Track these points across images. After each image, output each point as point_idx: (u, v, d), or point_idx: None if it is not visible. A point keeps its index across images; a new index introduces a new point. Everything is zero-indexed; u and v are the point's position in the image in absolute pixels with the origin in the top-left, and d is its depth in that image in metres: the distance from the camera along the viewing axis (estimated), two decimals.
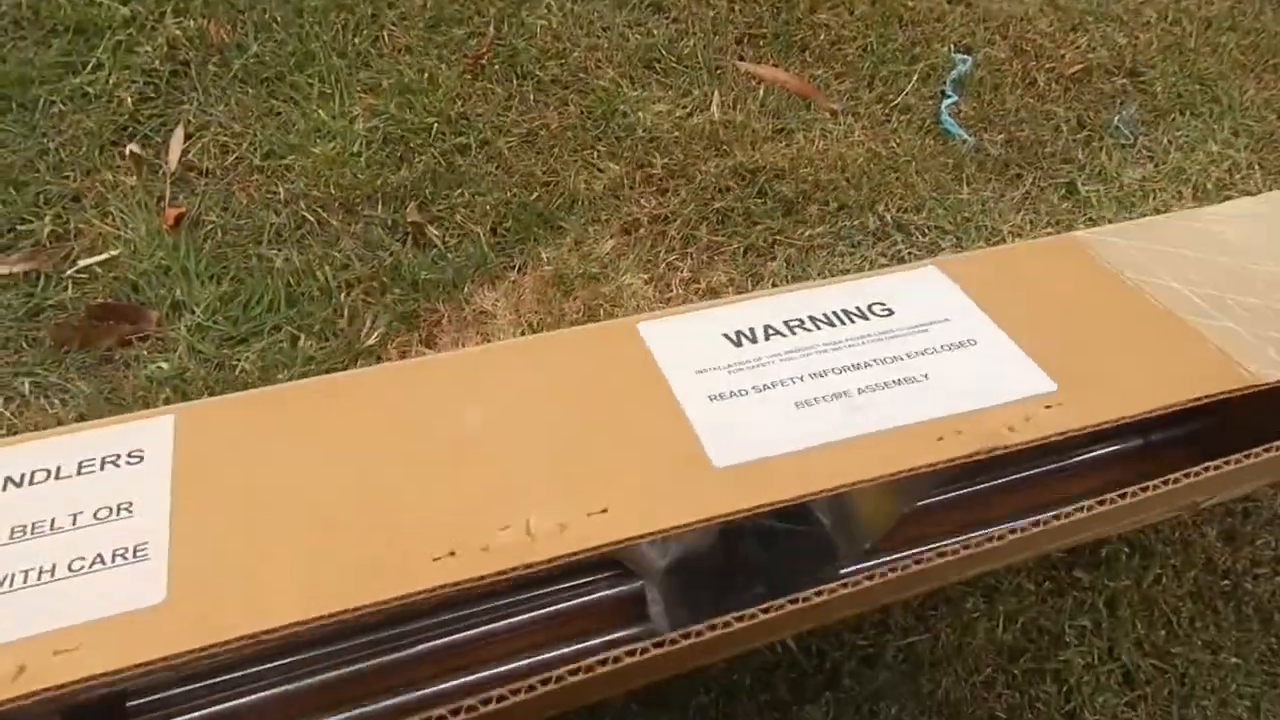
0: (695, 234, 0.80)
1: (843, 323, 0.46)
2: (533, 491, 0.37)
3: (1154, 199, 0.88)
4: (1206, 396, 0.41)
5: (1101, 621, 0.64)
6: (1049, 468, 0.58)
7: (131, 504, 0.36)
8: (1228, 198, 0.88)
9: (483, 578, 0.35)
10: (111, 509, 0.36)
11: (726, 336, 0.45)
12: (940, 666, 0.61)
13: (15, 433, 0.65)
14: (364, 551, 0.35)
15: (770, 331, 0.45)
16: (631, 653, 0.33)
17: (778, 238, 0.80)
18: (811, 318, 0.46)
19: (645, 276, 0.77)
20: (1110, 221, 0.86)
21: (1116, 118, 0.94)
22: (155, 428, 0.40)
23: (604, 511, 0.37)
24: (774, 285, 0.77)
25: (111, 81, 0.84)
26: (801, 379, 0.42)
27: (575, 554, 0.36)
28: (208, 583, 0.33)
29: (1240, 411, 0.46)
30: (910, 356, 0.43)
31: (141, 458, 0.39)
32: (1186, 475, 0.39)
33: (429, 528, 0.36)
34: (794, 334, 0.45)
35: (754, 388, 0.42)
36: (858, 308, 0.46)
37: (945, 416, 0.40)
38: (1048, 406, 0.41)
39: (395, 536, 0.36)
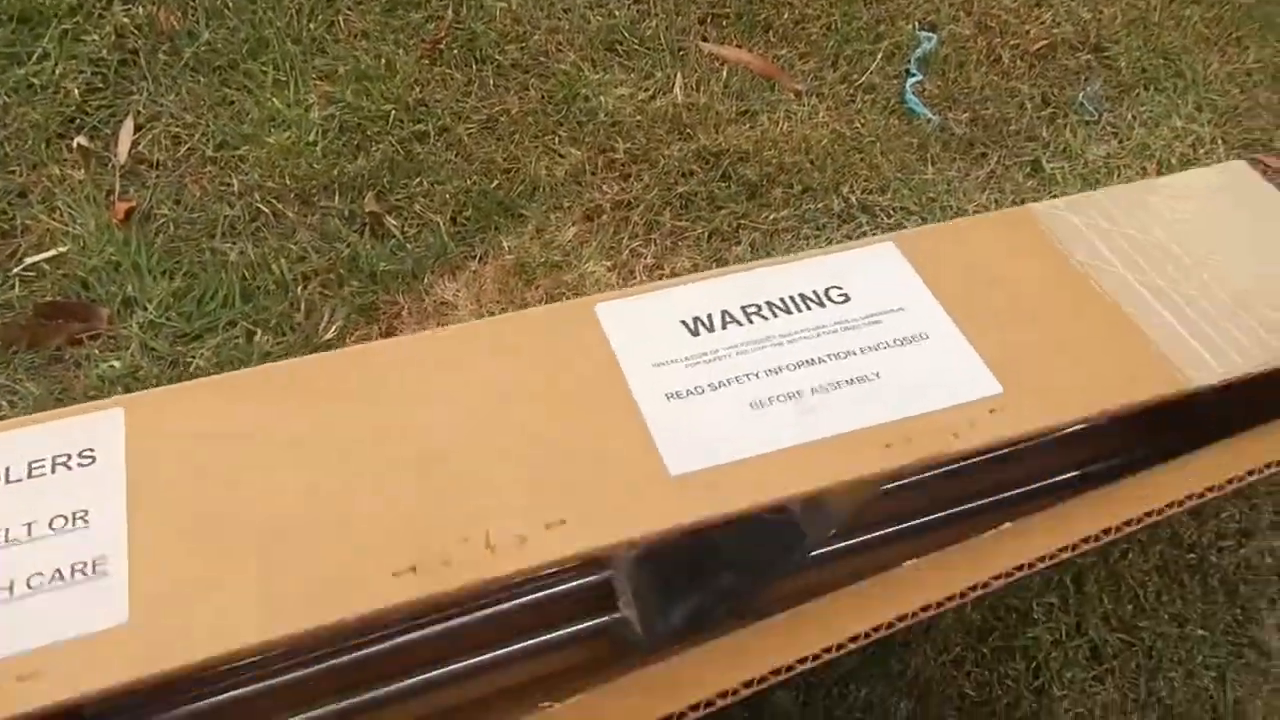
0: (659, 219, 0.79)
1: (799, 309, 0.45)
2: (491, 499, 0.37)
3: (1118, 176, 0.88)
4: (1141, 402, 0.42)
5: (1069, 598, 0.64)
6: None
7: (87, 512, 0.35)
8: None
9: (444, 594, 0.34)
10: (67, 518, 0.35)
11: (684, 324, 0.45)
12: (910, 647, 0.61)
13: None
14: (324, 564, 0.35)
15: (727, 319, 0.45)
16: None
17: (742, 222, 0.79)
18: (769, 303, 0.46)
19: (608, 264, 0.76)
20: None
21: (1081, 94, 0.94)
22: (105, 423, 0.39)
23: (562, 523, 0.37)
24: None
25: (58, 72, 0.81)
26: (757, 375, 0.42)
27: (535, 569, 0.36)
28: (169, 601, 0.33)
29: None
30: (863, 352, 0.43)
31: (93, 458, 0.38)
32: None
33: (388, 538, 0.36)
34: (751, 322, 0.45)
35: (710, 385, 0.41)
36: (815, 292, 0.46)
37: (894, 421, 0.40)
38: (992, 410, 0.41)
39: (354, 548, 0.35)
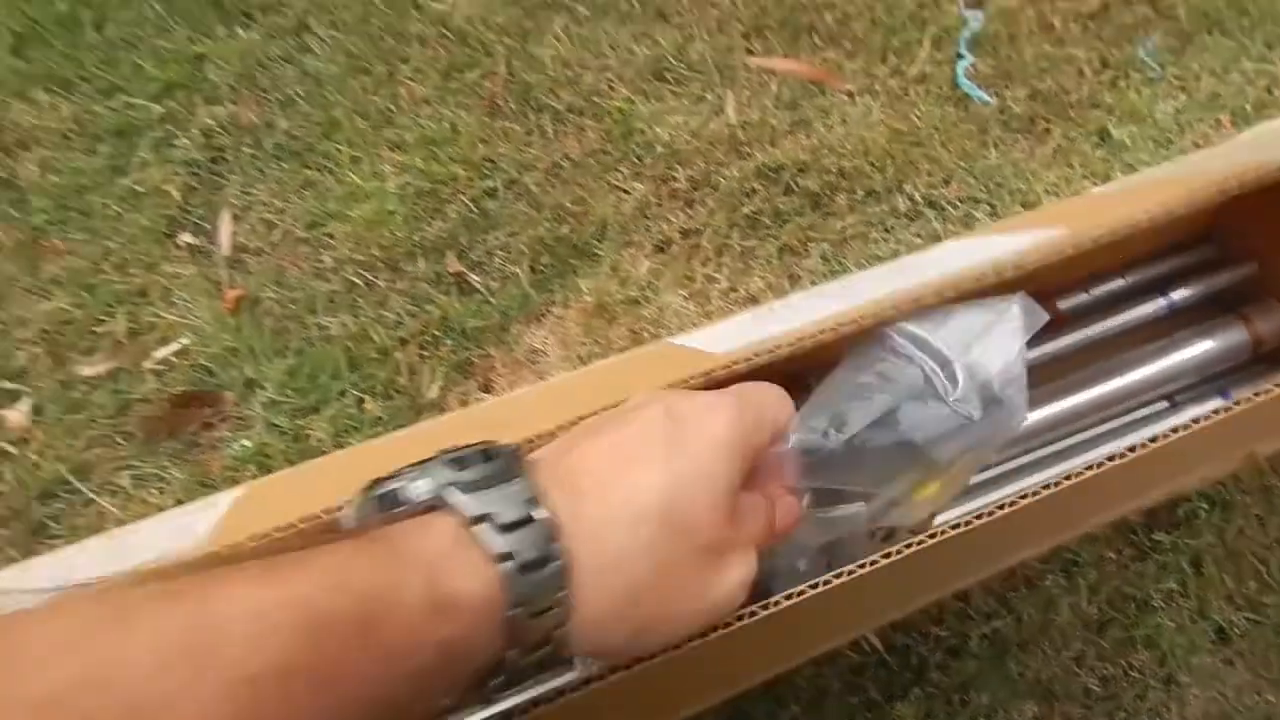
0: (727, 242, 0.81)
1: None
2: None
3: (1190, 131, 0.85)
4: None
5: (1188, 581, 0.63)
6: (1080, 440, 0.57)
7: None
8: (1269, 118, 0.85)
9: None
10: None
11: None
12: (1027, 648, 0.62)
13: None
14: None
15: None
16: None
17: (810, 234, 0.81)
18: None
19: (684, 293, 0.78)
20: (1148, 163, 0.84)
21: (1141, 50, 0.91)
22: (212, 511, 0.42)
23: None
24: (811, 284, 0.77)
25: (157, 177, 0.88)
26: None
27: None
28: None
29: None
30: None
31: None
32: (1213, 413, 0.39)
33: None
34: None
35: (771, 319, 0.43)
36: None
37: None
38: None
39: None
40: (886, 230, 0.81)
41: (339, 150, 0.89)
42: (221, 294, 0.83)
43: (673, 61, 0.91)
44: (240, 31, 0.97)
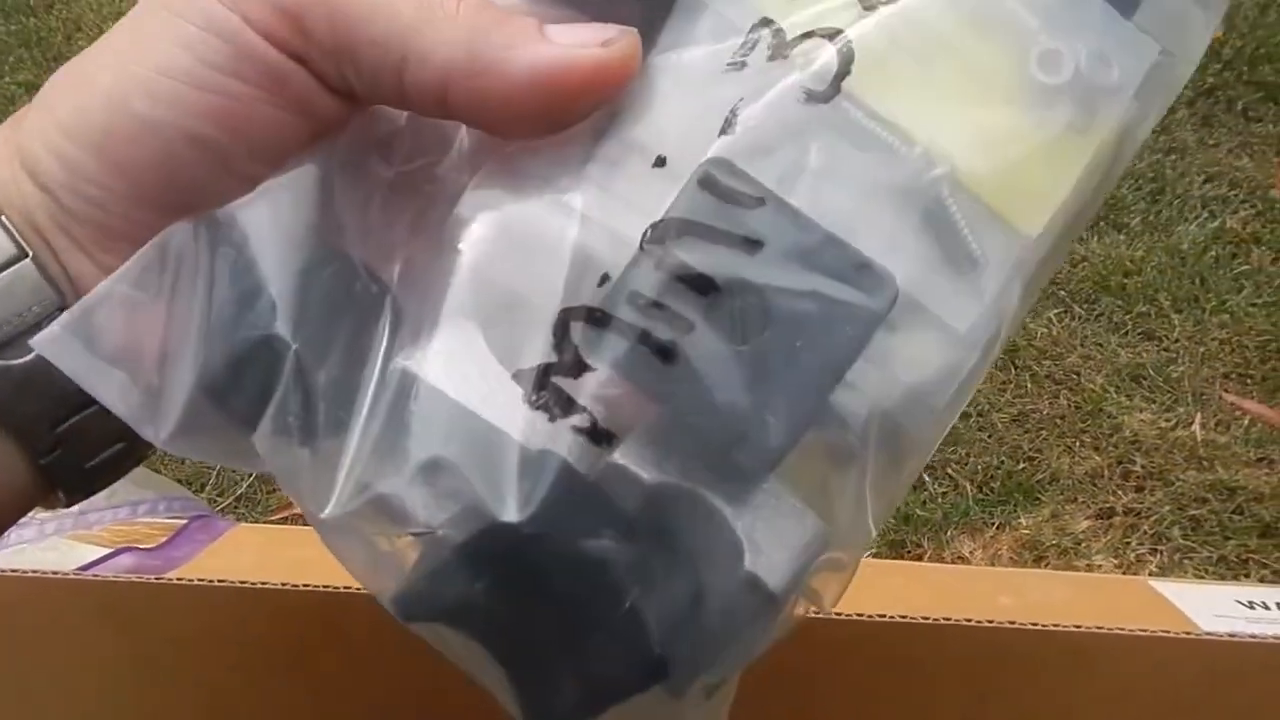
0: (1168, 534, 0.90)
1: None
2: None
3: None
4: None
5: None
6: None
7: None
8: None
9: None
10: None
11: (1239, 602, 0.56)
12: None
13: None
14: None
15: None
16: None
17: (1252, 556, 0.87)
18: None
19: (1115, 561, 0.88)
20: None
21: None
22: None
23: None
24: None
25: None
26: None
27: None
28: None
29: None
30: None
31: None
32: None
33: None
34: None
35: None
36: None
37: None
38: None
39: None
40: None
41: None
42: None
43: (1152, 373, 1.05)
44: None
